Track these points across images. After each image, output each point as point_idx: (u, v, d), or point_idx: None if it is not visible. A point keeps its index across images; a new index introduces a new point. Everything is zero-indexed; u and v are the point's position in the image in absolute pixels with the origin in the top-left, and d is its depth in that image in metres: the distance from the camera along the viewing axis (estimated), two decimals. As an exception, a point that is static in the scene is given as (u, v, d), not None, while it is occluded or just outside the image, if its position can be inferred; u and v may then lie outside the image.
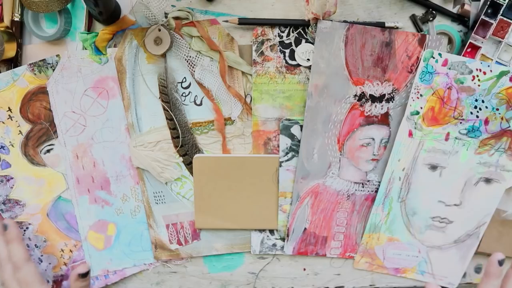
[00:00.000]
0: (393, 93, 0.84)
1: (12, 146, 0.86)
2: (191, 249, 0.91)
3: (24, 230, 0.88)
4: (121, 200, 0.88)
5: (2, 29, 0.82)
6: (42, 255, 0.90)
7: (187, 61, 0.84)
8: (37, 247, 0.89)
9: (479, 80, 0.80)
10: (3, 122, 0.85)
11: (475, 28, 0.82)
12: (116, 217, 0.89)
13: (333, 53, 0.82)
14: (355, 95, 0.84)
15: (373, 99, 0.84)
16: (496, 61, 0.83)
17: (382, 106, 0.84)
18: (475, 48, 0.83)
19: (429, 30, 0.84)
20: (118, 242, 0.90)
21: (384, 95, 0.84)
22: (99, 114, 0.86)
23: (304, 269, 0.92)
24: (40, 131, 0.86)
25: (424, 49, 0.82)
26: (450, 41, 0.85)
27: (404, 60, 0.83)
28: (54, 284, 0.90)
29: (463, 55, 0.82)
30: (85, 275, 0.83)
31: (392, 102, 0.84)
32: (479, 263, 0.92)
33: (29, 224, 0.88)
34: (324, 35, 0.82)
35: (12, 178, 0.87)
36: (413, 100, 0.82)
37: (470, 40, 0.82)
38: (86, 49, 0.84)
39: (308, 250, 0.90)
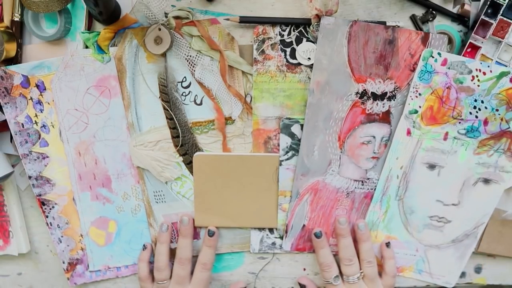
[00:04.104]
0: (395, 91, 0.84)
1: (53, 127, 0.87)
2: (190, 249, 0.91)
3: (50, 209, 0.90)
4: (122, 198, 0.89)
5: (2, 29, 0.82)
6: (62, 236, 0.91)
7: (187, 61, 0.84)
8: (59, 227, 0.91)
9: (478, 80, 0.80)
10: (48, 103, 0.86)
11: (475, 28, 0.82)
12: (117, 215, 0.90)
13: (336, 49, 0.82)
14: (357, 93, 0.84)
15: (375, 97, 0.84)
16: (496, 61, 0.83)
17: (383, 104, 0.84)
18: (475, 48, 0.83)
19: (429, 30, 0.84)
20: (119, 240, 0.91)
21: (386, 93, 0.84)
22: (101, 113, 0.87)
23: (304, 269, 0.92)
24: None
25: (427, 48, 0.82)
26: (450, 41, 0.85)
27: (406, 58, 0.83)
28: (69, 266, 0.92)
29: (463, 55, 0.82)
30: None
31: (394, 100, 0.84)
32: (479, 263, 0.92)
33: (55, 204, 0.90)
34: (327, 31, 0.82)
35: (47, 157, 0.88)
36: (412, 99, 0.82)
37: (470, 40, 0.82)
38: (87, 47, 0.85)
39: (307, 246, 0.90)
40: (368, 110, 0.85)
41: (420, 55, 0.82)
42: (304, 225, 0.89)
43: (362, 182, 0.88)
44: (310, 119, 0.85)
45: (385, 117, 0.85)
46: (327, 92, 0.84)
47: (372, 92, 0.84)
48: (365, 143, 0.86)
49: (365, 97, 0.84)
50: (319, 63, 0.83)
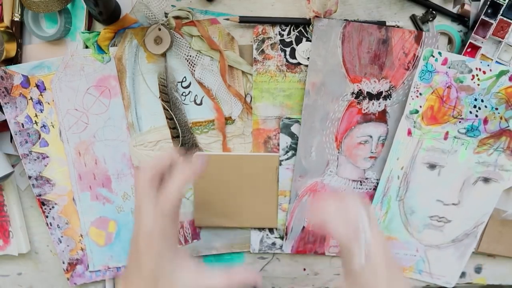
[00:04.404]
0: (390, 91, 0.84)
1: (53, 127, 0.87)
2: (191, 249, 0.91)
3: (50, 209, 0.90)
4: (121, 198, 0.89)
5: (2, 29, 0.82)
6: (62, 236, 0.91)
7: (187, 61, 0.84)
8: (59, 227, 0.91)
9: (478, 79, 0.80)
10: (48, 103, 0.86)
11: (475, 28, 0.82)
12: (117, 215, 0.90)
13: (330, 50, 0.82)
14: (353, 93, 0.84)
15: (370, 96, 0.84)
16: (496, 61, 0.83)
17: (379, 103, 0.84)
18: (475, 48, 0.83)
19: (429, 30, 0.84)
20: (119, 240, 0.91)
21: (381, 92, 0.84)
22: (101, 113, 0.86)
23: (304, 269, 0.92)
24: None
25: (421, 46, 0.82)
26: (450, 41, 0.85)
27: (401, 57, 0.83)
28: (69, 266, 0.92)
29: (463, 55, 0.82)
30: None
31: (389, 99, 0.84)
32: (479, 263, 0.92)
33: (55, 204, 0.90)
34: (321, 32, 0.82)
35: (47, 157, 0.88)
36: (413, 99, 0.82)
37: (470, 40, 0.82)
38: (87, 47, 0.85)
39: (307, 248, 0.90)
40: (364, 110, 0.85)
41: (414, 54, 0.82)
42: (304, 227, 0.89)
43: (360, 182, 0.87)
44: (307, 120, 0.85)
45: (382, 117, 0.85)
46: (323, 93, 0.84)
47: (367, 92, 0.84)
48: (362, 143, 0.86)
49: (360, 97, 0.84)
50: (314, 64, 0.83)
